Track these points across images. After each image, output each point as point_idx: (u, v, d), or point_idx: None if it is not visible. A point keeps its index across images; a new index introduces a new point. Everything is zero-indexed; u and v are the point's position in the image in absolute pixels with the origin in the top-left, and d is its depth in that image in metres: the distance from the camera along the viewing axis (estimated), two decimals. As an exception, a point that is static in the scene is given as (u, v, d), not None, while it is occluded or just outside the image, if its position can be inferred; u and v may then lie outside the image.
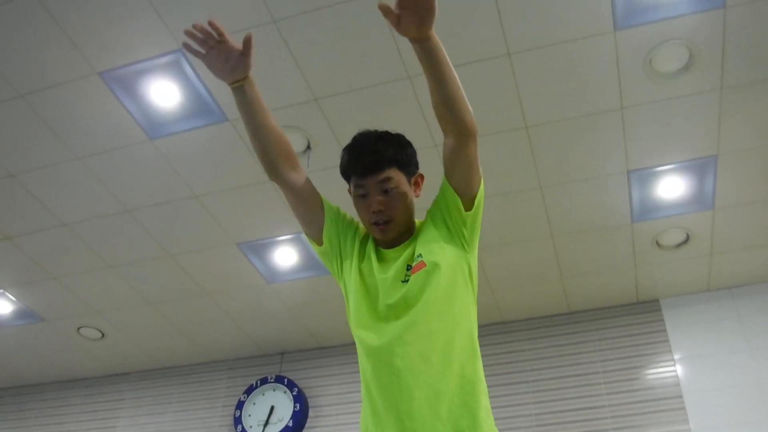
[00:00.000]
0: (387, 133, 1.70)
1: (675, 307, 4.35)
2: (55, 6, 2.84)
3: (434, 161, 3.47)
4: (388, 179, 1.62)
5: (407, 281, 1.56)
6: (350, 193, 1.69)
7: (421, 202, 1.74)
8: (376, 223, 1.62)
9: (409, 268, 1.58)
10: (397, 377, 1.47)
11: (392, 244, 1.67)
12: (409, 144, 1.72)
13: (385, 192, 1.61)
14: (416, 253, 1.59)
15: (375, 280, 1.61)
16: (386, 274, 1.60)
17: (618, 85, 3.10)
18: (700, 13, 2.81)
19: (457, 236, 1.61)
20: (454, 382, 1.45)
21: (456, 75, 1.53)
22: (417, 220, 1.73)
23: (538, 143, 3.38)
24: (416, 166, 1.73)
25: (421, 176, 1.74)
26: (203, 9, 2.85)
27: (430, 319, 1.51)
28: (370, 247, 1.69)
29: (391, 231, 1.63)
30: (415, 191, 1.70)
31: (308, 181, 1.70)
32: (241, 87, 1.60)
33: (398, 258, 1.63)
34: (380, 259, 1.66)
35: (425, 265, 1.55)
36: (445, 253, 1.58)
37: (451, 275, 1.56)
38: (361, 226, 1.74)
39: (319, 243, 1.72)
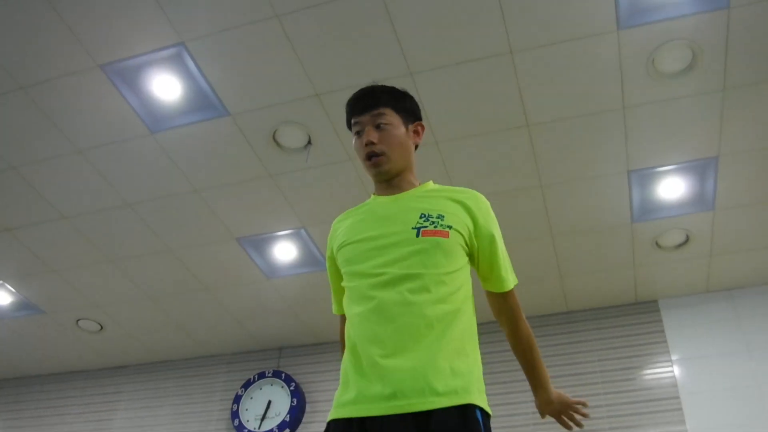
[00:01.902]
0: (389, 85, 1.76)
1: (673, 308, 4.35)
2: (57, -2, 2.84)
3: (435, 160, 3.47)
4: (380, 114, 1.65)
5: (420, 237, 1.51)
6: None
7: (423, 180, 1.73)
8: (368, 157, 1.64)
9: (423, 216, 1.55)
10: (395, 332, 1.42)
11: (391, 192, 1.67)
12: (409, 96, 1.76)
13: (378, 127, 1.65)
14: (437, 213, 1.56)
15: (378, 218, 1.60)
16: (389, 212, 1.60)
17: (620, 84, 3.10)
18: (704, 14, 2.80)
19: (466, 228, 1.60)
20: (452, 349, 1.42)
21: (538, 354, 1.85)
22: (431, 182, 1.71)
23: (540, 142, 3.38)
24: (416, 116, 1.75)
25: (422, 126, 1.76)
26: (206, 2, 2.85)
27: (435, 283, 1.47)
28: (362, 207, 1.70)
29: (383, 164, 1.64)
30: (413, 138, 1.72)
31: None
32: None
33: (402, 200, 1.62)
34: (379, 205, 1.66)
35: (448, 236, 1.52)
36: (461, 227, 1.56)
37: (458, 246, 1.54)
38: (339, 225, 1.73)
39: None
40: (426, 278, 1.47)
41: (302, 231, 4.05)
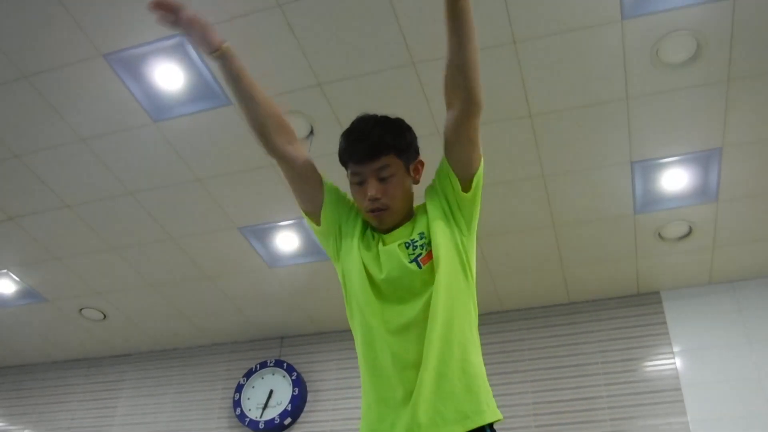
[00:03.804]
0: (386, 118, 1.67)
1: (676, 299, 4.35)
2: (59, -14, 2.83)
3: (436, 148, 3.45)
4: (385, 167, 1.58)
5: (413, 263, 1.55)
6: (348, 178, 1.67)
7: (420, 187, 1.73)
8: (372, 211, 1.59)
9: (408, 245, 1.57)
10: (399, 359, 1.47)
11: (391, 228, 1.65)
12: (408, 129, 1.69)
13: (382, 180, 1.58)
14: (418, 232, 1.58)
15: (377, 257, 1.59)
16: (387, 248, 1.60)
17: (624, 74, 3.08)
18: (709, 4, 2.78)
19: (454, 219, 1.60)
20: (455, 366, 1.46)
21: (477, 43, 1.52)
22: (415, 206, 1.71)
23: (542, 132, 3.37)
24: (416, 152, 1.70)
25: (421, 162, 1.70)
26: (208, -9, 2.84)
27: (434, 306, 1.50)
28: (370, 230, 1.68)
29: (387, 218, 1.60)
30: (414, 177, 1.67)
31: (308, 159, 1.68)
32: (218, 58, 1.60)
33: (398, 239, 1.61)
34: (381, 241, 1.64)
35: (432, 258, 1.54)
36: (445, 237, 1.57)
37: (451, 262, 1.55)
38: None
39: (317, 223, 1.71)
40: (423, 306, 1.51)
41: (304, 220, 4.04)
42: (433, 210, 1.61)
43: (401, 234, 1.62)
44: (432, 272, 1.53)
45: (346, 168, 1.66)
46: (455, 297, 1.53)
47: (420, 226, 1.60)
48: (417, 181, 1.69)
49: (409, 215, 1.66)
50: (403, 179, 1.62)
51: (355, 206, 1.70)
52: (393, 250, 1.57)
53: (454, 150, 1.61)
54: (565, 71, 3.09)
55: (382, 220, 1.60)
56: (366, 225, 1.68)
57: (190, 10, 1.56)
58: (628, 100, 3.20)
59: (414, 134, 1.70)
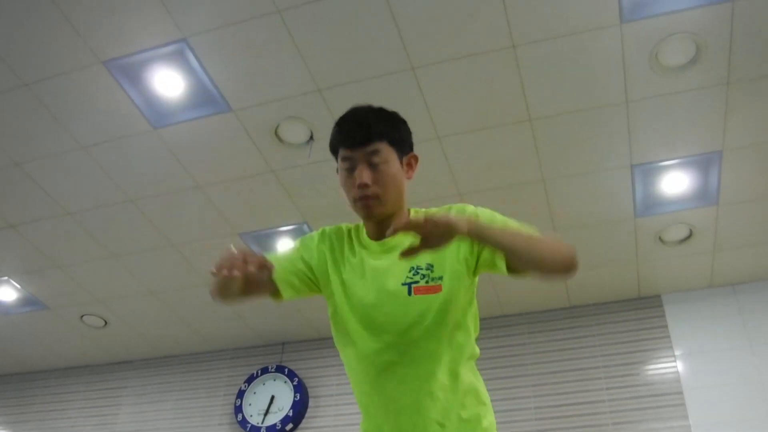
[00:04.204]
0: (381, 107, 1.58)
1: (677, 303, 4.34)
2: (59, -6, 2.84)
3: (435, 154, 3.46)
4: (376, 152, 1.49)
5: (412, 296, 1.45)
6: (337, 172, 1.57)
7: (416, 196, 1.68)
8: (361, 199, 1.48)
9: (412, 270, 1.48)
10: (396, 400, 1.45)
11: (381, 235, 1.52)
12: (403, 122, 1.60)
13: (373, 165, 1.48)
14: (425, 264, 1.47)
15: (365, 279, 1.51)
16: (380, 264, 1.51)
17: (623, 78, 3.08)
18: (708, 7, 2.78)
19: (464, 261, 1.50)
20: (457, 399, 1.45)
21: (525, 236, 1.40)
22: (413, 209, 1.60)
23: (542, 136, 3.37)
24: (410, 146, 1.60)
25: (415, 158, 1.59)
26: (207, -2, 2.85)
27: (435, 342, 1.45)
28: (356, 246, 1.58)
29: (376, 208, 1.49)
30: (407, 172, 1.56)
31: (282, 275, 1.56)
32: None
33: (392, 251, 1.50)
34: (370, 253, 1.55)
35: (441, 290, 1.44)
36: (454, 272, 1.47)
37: (457, 297, 1.48)
38: (329, 231, 1.64)
39: (321, 288, 1.62)
40: (424, 349, 1.45)
41: (305, 226, 4.05)
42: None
43: (395, 248, 1.49)
44: (430, 304, 1.45)
45: (336, 156, 1.57)
46: (457, 336, 1.49)
47: (426, 257, 1.46)
48: (410, 177, 1.58)
49: (400, 216, 1.54)
50: (395, 169, 1.51)
51: (307, 244, 1.63)
52: (390, 283, 1.48)
53: (482, 264, 1.49)
54: (564, 75, 3.09)
55: (370, 210, 1.49)
56: (344, 246, 1.58)
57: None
58: (627, 104, 3.20)
59: (409, 129, 1.61)
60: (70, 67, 3.15)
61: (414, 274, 1.47)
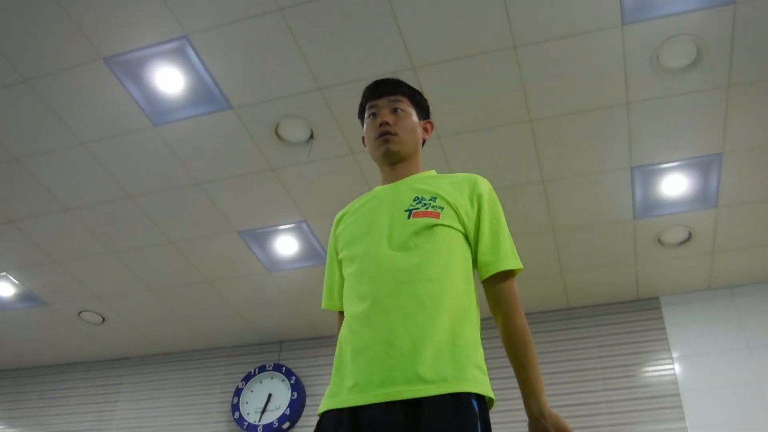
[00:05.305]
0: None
1: (675, 305, 4.34)
2: (60, -11, 2.83)
3: (437, 154, 3.46)
4: (399, 101, 1.71)
5: (411, 219, 1.52)
6: (362, 126, 1.75)
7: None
8: (381, 135, 1.66)
9: (416, 199, 1.56)
10: (385, 313, 1.40)
11: (395, 180, 1.67)
12: (423, 95, 1.81)
13: (395, 111, 1.69)
14: (429, 196, 1.57)
15: (379, 201, 1.62)
16: (391, 194, 1.62)
17: (624, 80, 3.09)
18: (710, 9, 2.79)
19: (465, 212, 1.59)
20: (444, 332, 1.37)
21: (532, 356, 1.60)
22: (430, 172, 1.72)
23: (542, 137, 3.37)
24: (427, 113, 1.81)
25: (431, 124, 1.81)
26: (209, -5, 2.85)
27: (430, 265, 1.45)
28: (365, 198, 1.70)
29: (394, 143, 1.66)
30: (423, 133, 1.77)
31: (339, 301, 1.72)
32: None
33: (400, 186, 1.63)
34: (382, 193, 1.67)
35: (438, 216, 1.51)
36: (454, 203, 1.56)
37: (455, 233, 1.53)
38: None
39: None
40: (417, 257, 1.46)
41: (304, 224, 4.05)
42: (456, 192, 1.60)
43: (409, 182, 1.64)
44: (422, 228, 1.50)
45: (363, 116, 1.76)
46: (453, 265, 1.49)
47: (435, 189, 1.59)
48: (425, 139, 1.78)
49: (413, 170, 1.69)
50: (414, 122, 1.72)
51: (330, 243, 1.74)
52: (404, 192, 1.60)
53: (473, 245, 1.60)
54: (565, 76, 3.09)
55: (389, 143, 1.65)
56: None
57: None
58: (628, 105, 3.20)
59: (427, 102, 1.82)
60: (70, 63, 3.15)
61: (417, 203, 1.57)
